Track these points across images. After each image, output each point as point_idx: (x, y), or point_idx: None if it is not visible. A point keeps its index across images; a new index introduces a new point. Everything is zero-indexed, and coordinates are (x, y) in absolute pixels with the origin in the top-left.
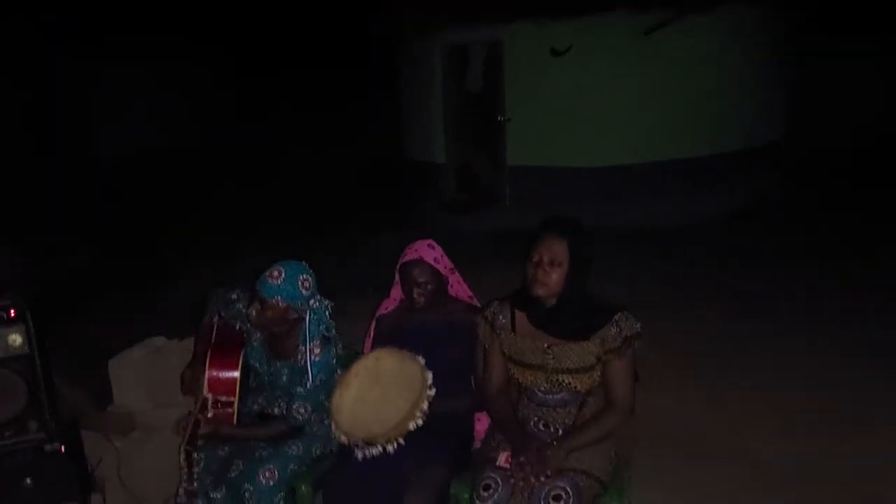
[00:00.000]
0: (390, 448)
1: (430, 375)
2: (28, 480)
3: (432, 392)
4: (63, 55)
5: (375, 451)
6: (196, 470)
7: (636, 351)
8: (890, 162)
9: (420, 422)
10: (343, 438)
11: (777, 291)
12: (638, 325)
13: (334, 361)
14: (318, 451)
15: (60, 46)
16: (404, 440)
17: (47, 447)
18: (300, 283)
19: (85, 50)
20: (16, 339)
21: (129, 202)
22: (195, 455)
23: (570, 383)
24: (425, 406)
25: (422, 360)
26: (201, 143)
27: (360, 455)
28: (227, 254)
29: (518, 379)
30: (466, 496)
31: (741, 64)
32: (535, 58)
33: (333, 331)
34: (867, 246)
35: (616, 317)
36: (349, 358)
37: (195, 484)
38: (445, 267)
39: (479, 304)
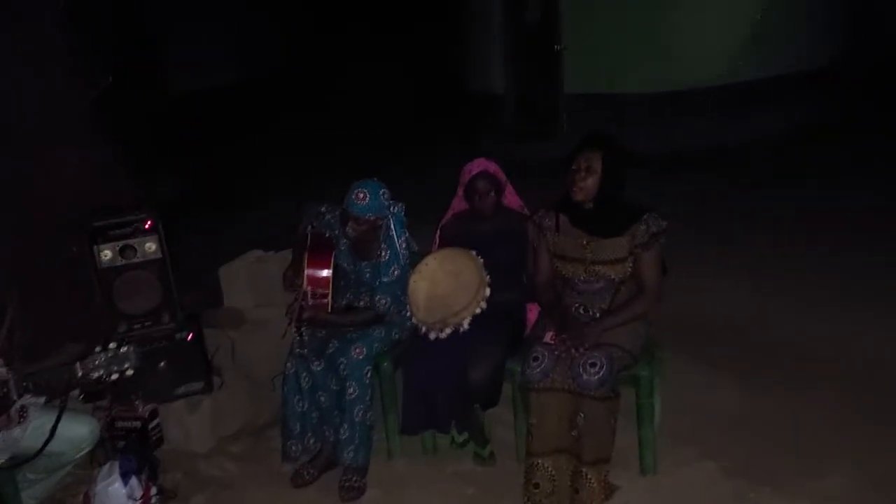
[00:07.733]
0: (462, 327)
1: (485, 271)
2: (163, 363)
3: (488, 285)
4: None
5: (446, 331)
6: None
7: (662, 246)
8: None
9: (481, 307)
10: (418, 321)
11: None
12: (664, 224)
13: (408, 261)
14: (396, 336)
15: None
16: (469, 325)
17: (177, 335)
18: (381, 196)
19: None
20: (151, 245)
21: (207, 133)
22: (304, 330)
23: (605, 273)
24: (486, 293)
25: (480, 259)
26: (270, 74)
27: (432, 336)
28: (303, 176)
29: (561, 272)
30: (519, 369)
31: None
32: None
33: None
34: None
35: (645, 216)
36: (416, 259)
37: (305, 350)
38: (501, 179)
39: (528, 213)
